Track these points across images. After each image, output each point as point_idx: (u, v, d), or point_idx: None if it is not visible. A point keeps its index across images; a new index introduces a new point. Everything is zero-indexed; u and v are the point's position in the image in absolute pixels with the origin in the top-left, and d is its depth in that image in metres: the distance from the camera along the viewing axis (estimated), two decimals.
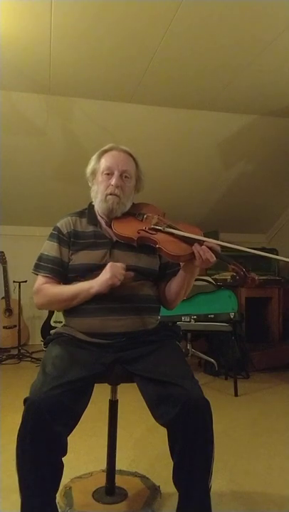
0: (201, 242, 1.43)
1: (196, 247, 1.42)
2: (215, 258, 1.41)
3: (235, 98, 3.37)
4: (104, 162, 1.59)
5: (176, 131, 3.73)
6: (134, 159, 1.62)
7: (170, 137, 3.79)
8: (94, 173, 1.62)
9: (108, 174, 1.57)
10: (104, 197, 1.56)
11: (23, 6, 2.31)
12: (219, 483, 1.80)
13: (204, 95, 3.33)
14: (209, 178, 4.31)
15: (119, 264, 1.46)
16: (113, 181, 1.55)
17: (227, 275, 3.59)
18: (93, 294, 1.47)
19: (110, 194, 1.55)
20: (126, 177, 1.58)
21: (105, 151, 1.61)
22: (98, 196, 1.59)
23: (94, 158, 1.63)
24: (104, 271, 1.46)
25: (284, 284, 4.09)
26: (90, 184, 1.65)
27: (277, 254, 4.61)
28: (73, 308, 1.52)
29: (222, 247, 1.46)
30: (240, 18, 2.39)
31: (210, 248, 1.41)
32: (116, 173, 1.56)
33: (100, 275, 1.46)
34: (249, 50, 2.71)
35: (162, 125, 3.65)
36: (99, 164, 1.60)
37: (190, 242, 1.45)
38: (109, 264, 1.46)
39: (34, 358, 3.97)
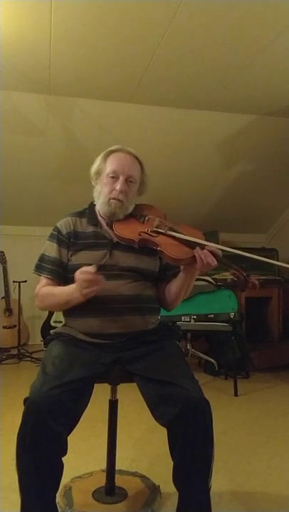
0: (202, 246, 1.43)
1: (197, 251, 1.42)
2: (216, 262, 1.40)
3: (235, 98, 3.37)
4: (110, 164, 1.57)
5: (176, 131, 3.73)
6: (139, 162, 1.61)
7: (170, 137, 3.78)
8: (99, 173, 1.61)
9: (113, 177, 1.56)
10: (108, 200, 1.56)
11: (23, 6, 2.31)
12: (219, 483, 1.80)
13: (204, 95, 3.33)
14: (209, 178, 4.31)
15: (81, 276, 1.36)
16: (118, 186, 1.54)
17: (227, 275, 3.58)
18: (82, 301, 1.44)
19: (114, 199, 1.55)
20: (131, 182, 1.57)
21: (112, 152, 1.60)
22: (101, 198, 1.58)
23: (100, 157, 1.62)
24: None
25: (284, 284, 4.08)
26: (93, 183, 1.65)
27: (277, 254, 4.63)
28: (73, 309, 1.52)
29: (223, 249, 1.46)
30: (239, 18, 2.39)
31: (211, 252, 1.41)
32: (121, 177, 1.55)
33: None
34: (249, 50, 2.71)
35: (162, 125, 3.65)
36: (105, 165, 1.59)
37: (191, 245, 1.45)
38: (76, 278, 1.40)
39: (34, 358, 3.97)
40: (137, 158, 1.61)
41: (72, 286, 1.46)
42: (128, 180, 1.57)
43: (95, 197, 1.63)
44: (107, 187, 1.57)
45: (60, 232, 1.59)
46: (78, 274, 1.37)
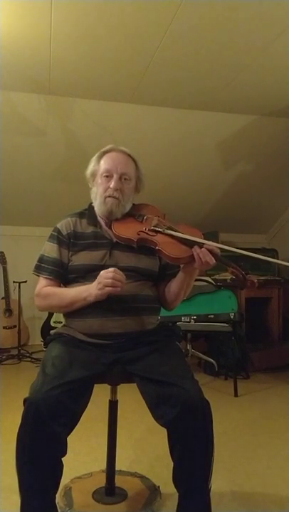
0: (200, 245, 1.43)
1: (195, 250, 1.42)
2: (214, 261, 1.40)
3: (235, 98, 3.37)
4: (103, 164, 1.59)
5: (176, 131, 3.73)
6: (133, 160, 1.62)
7: (170, 137, 3.78)
8: (93, 174, 1.62)
9: (107, 176, 1.57)
10: (104, 199, 1.56)
11: (23, 6, 2.31)
12: (219, 483, 1.80)
13: (204, 95, 3.33)
14: (209, 178, 4.31)
15: (109, 274, 1.39)
16: (112, 184, 1.55)
17: (227, 275, 3.58)
18: (90, 302, 1.46)
19: (109, 196, 1.55)
20: (125, 179, 1.58)
21: (105, 153, 1.61)
22: (97, 198, 1.59)
23: (93, 159, 1.63)
24: (95, 283, 1.42)
25: (284, 284, 4.08)
26: (90, 186, 1.66)
27: (277, 255, 4.62)
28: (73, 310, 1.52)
29: (222, 249, 1.46)
30: (239, 19, 2.39)
31: (210, 251, 1.41)
32: (115, 175, 1.56)
33: (93, 285, 1.43)
34: (249, 50, 2.71)
35: (162, 125, 3.65)
36: (98, 166, 1.60)
37: (190, 244, 1.45)
38: (99, 276, 1.41)
39: (34, 358, 3.97)
40: (130, 155, 1.61)
41: (80, 288, 1.47)
42: (122, 178, 1.57)
43: (92, 199, 1.64)
44: (102, 186, 1.57)
45: (61, 233, 1.59)
46: (105, 273, 1.39)
